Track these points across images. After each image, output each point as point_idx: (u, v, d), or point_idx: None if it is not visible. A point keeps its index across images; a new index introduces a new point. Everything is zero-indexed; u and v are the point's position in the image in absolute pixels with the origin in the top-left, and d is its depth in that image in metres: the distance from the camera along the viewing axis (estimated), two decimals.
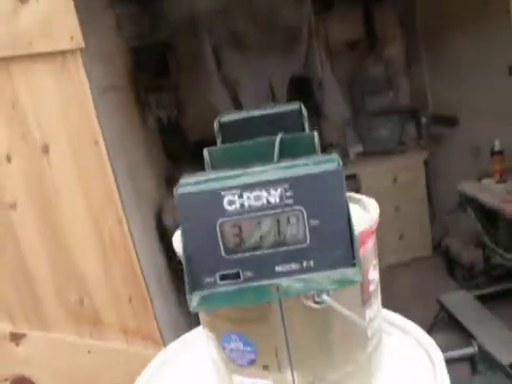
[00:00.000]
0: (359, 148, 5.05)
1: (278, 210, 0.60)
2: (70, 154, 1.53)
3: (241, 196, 0.59)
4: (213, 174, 0.63)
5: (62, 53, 1.52)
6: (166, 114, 4.48)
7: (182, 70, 4.48)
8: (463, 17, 3.78)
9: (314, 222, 0.59)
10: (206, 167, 0.80)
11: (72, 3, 1.54)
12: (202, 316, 0.77)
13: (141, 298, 1.77)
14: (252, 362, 0.72)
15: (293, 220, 0.59)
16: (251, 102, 4.26)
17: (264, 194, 0.59)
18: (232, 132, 0.84)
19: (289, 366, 0.70)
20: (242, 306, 0.64)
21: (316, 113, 4.56)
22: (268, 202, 0.59)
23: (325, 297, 0.62)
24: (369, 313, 0.74)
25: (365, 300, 0.73)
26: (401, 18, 4.95)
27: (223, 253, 0.60)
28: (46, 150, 1.47)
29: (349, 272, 0.58)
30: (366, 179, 4.61)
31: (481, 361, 1.46)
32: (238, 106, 4.42)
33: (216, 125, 0.87)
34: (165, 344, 1.82)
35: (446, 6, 4.04)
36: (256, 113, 0.85)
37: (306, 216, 0.59)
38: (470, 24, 3.68)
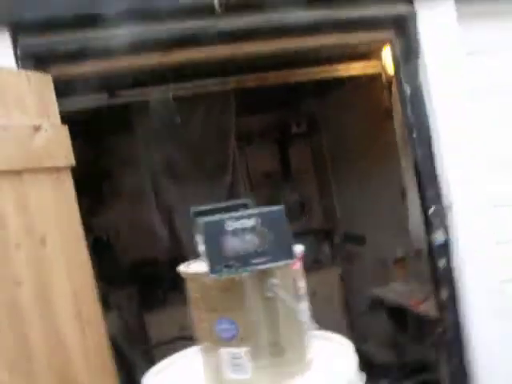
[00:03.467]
0: None
1: (252, 230, 1.08)
2: (60, 246, 1.93)
3: (233, 222, 1.09)
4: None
5: (58, 168, 1.99)
6: (103, 236, 4.88)
7: (117, 195, 4.97)
8: (362, 152, 4.55)
9: (272, 236, 1.08)
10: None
11: (66, 133, 2.04)
12: (201, 314, 1.21)
13: (107, 367, 2.12)
14: (234, 337, 1.16)
15: (260, 235, 1.08)
16: (184, 224, 4.76)
17: (246, 221, 1.09)
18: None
19: (257, 336, 1.15)
20: (231, 293, 1.10)
21: None
22: (249, 225, 1.09)
23: (274, 284, 1.10)
24: (300, 305, 1.21)
25: (297, 297, 1.21)
26: (312, 151, 5.74)
27: (225, 253, 1.08)
28: (43, 241, 1.87)
29: (290, 260, 1.07)
30: None
31: None
32: (172, 228, 4.92)
33: (192, 213, 1.37)
34: None
35: (348, 141, 4.84)
36: (218, 205, 1.36)
37: (267, 232, 1.08)
38: (367, 157, 4.44)
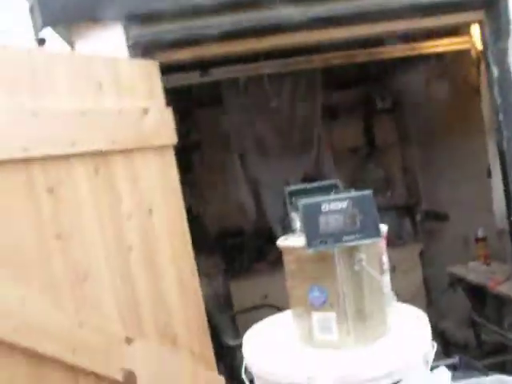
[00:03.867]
0: None
1: (344, 211, 1.24)
2: (164, 216, 2.17)
3: (328, 204, 1.25)
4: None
5: (163, 146, 2.21)
6: (192, 206, 5.13)
7: (206, 167, 5.22)
8: (448, 128, 4.54)
9: (361, 216, 1.23)
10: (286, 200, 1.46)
11: (170, 114, 2.25)
12: (296, 283, 1.39)
13: (203, 328, 2.35)
14: (324, 303, 1.33)
15: (351, 215, 1.24)
16: (270, 196, 4.96)
17: (339, 203, 1.24)
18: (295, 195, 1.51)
19: (344, 303, 1.31)
20: (323, 265, 1.27)
21: None
22: (341, 207, 1.24)
23: (361, 259, 1.25)
24: (383, 279, 1.36)
25: (381, 271, 1.36)
26: (397, 127, 5.75)
27: (320, 231, 1.24)
28: (151, 212, 2.10)
29: (376, 239, 1.22)
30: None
31: None
32: (258, 200, 5.14)
33: (286, 192, 1.54)
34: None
35: (434, 117, 4.83)
36: (309, 185, 1.52)
37: (357, 213, 1.23)
38: (453, 134, 4.43)
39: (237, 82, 4.36)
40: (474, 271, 4.04)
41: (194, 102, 4.91)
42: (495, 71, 2.67)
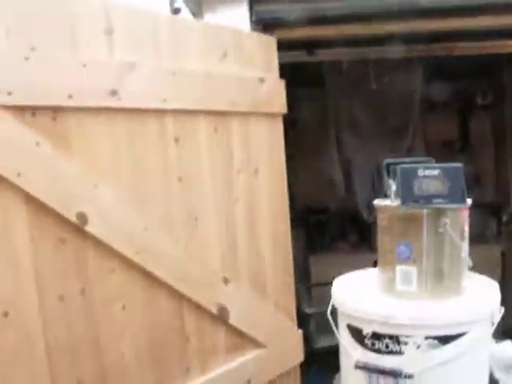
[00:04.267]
0: None
1: (435, 178, 1.43)
2: (267, 177, 2.41)
3: (423, 170, 1.45)
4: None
5: (274, 114, 2.45)
6: None
7: (300, 143, 5.42)
8: None
9: (450, 184, 1.42)
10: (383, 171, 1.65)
11: (283, 86, 2.48)
12: (386, 239, 1.60)
13: (290, 285, 2.60)
14: (408, 258, 1.53)
15: (441, 182, 1.43)
16: (360, 179, 5.13)
17: (432, 171, 1.44)
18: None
19: (426, 260, 1.51)
20: (412, 224, 1.47)
21: None
22: (434, 174, 1.44)
23: (446, 223, 1.44)
24: (463, 244, 1.55)
25: (462, 237, 1.54)
26: (493, 124, 5.71)
27: (414, 192, 1.45)
28: (257, 171, 2.36)
29: (462, 205, 1.41)
30: None
31: None
32: (349, 181, 5.31)
33: (384, 163, 1.73)
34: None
35: None
36: (405, 159, 1.71)
37: (447, 181, 1.42)
38: None
39: (339, 63, 4.52)
40: None
41: (295, 80, 5.11)
42: None
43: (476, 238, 5.40)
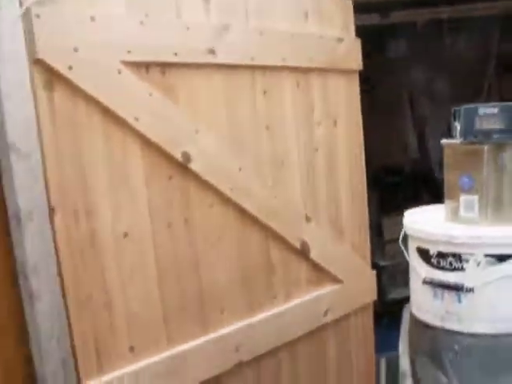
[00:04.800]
0: None
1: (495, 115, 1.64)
2: (345, 128, 2.65)
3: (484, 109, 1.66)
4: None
5: (350, 71, 2.67)
6: None
7: (373, 103, 5.53)
8: None
9: (507, 121, 1.62)
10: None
11: (359, 45, 2.69)
12: (450, 172, 1.82)
13: (365, 229, 2.84)
14: (471, 188, 1.75)
15: (501, 119, 1.63)
16: (434, 140, 5.23)
17: (492, 109, 1.65)
18: None
19: (486, 190, 1.73)
20: (473, 157, 1.68)
21: None
22: (494, 112, 1.65)
23: (504, 157, 1.65)
24: None
25: None
26: None
27: (475, 128, 1.66)
28: (335, 123, 2.60)
29: None
30: None
31: None
32: (422, 142, 5.42)
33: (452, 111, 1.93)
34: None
35: None
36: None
37: (507, 118, 1.62)
38: None
39: (414, 25, 4.61)
40: None
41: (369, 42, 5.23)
42: None
43: None
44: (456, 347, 1.94)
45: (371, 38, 5.01)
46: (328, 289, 2.62)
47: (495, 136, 1.78)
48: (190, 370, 2.05)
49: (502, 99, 5.52)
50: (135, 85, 1.88)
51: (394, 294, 4.64)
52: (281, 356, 2.44)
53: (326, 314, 2.60)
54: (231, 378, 2.23)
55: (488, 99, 5.36)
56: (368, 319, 2.92)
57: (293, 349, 2.48)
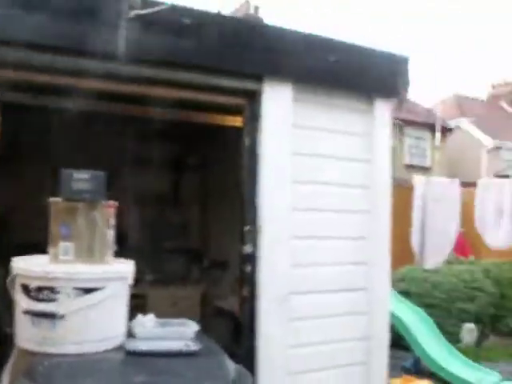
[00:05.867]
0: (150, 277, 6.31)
1: (86, 179, 2.14)
2: None
3: (78, 174, 2.13)
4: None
5: None
6: None
7: None
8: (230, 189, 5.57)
9: (94, 185, 2.13)
10: None
11: None
12: (55, 224, 2.24)
13: None
14: (68, 236, 2.24)
15: (90, 182, 2.14)
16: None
17: (84, 174, 2.15)
18: None
19: (80, 238, 2.21)
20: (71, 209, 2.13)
21: None
22: (85, 177, 2.16)
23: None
24: (108, 231, 2.28)
25: (108, 226, 2.28)
26: (201, 183, 6.75)
27: (73, 189, 2.14)
28: None
29: (103, 200, 2.14)
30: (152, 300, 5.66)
31: None
32: None
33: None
34: None
35: (225, 180, 5.84)
36: None
37: (93, 182, 2.14)
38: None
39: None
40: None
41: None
42: (247, 141, 3.78)
43: (181, 280, 6.34)
44: (46, 362, 2.33)
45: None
46: None
47: (86, 195, 2.36)
48: None
49: (137, 189, 6.14)
50: None
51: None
52: None
53: None
54: None
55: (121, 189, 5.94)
56: None
57: None
